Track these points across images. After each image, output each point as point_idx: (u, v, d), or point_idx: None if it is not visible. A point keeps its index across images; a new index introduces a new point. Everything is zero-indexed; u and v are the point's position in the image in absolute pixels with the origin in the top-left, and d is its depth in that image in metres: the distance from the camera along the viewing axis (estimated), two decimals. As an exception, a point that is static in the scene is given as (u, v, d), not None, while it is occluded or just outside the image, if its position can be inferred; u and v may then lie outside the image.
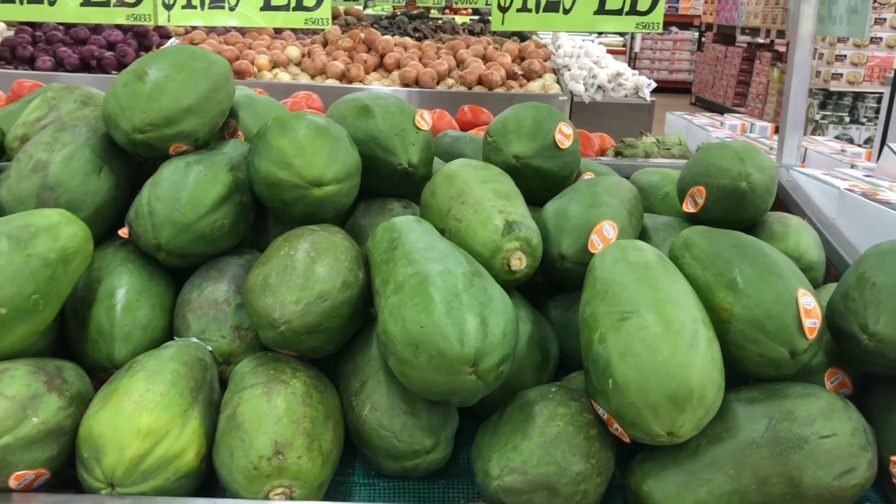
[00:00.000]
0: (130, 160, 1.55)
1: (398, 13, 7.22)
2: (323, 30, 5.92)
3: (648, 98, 5.17)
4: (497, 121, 1.63)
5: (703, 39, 12.80)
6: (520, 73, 5.51)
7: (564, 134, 1.59)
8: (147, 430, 1.07)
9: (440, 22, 6.97)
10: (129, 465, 1.05)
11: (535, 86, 5.35)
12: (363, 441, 1.20)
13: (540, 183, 1.59)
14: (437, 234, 1.29)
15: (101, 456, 1.06)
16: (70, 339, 1.33)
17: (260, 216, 1.56)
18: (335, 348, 1.27)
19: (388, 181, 1.60)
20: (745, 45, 11.20)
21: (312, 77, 5.49)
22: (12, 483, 1.04)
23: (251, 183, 1.46)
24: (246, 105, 1.72)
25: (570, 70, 5.47)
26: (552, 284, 1.49)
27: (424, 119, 1.64)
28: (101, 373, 1.30)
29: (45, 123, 1.64)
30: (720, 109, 10.38)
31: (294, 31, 6.28)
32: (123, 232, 1.47)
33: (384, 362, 1.21)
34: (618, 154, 2.50)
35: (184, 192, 1.38)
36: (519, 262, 1.28)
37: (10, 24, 5.64)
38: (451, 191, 1.41)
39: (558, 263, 1.37)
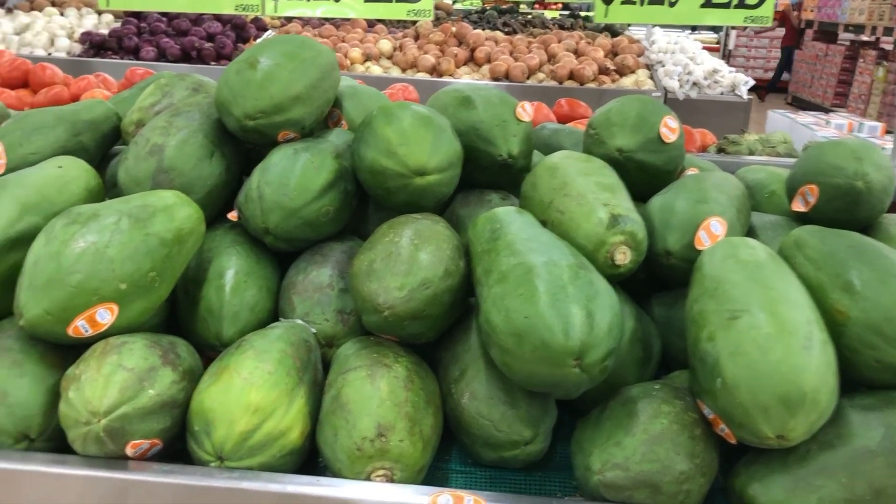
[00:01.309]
0: (240, 146, 1.59)
1: (487, 8, 7.21)
2: (424, 21, 5.95)
3: (745, 96, 5.02)
4: (600, 113, 1.61)
5: (802, 37, 12.35)
6: (612, 68, 5.43)
7: (670, 128, 1.55)
8: (256, 406, 1.10)
9: (530, 17, 6.93)
10: (238, 439, 1.08)
11: (627, 81, 5.27)
12: (461, 429, 1.20)
13: (642, 177, 1.56)
14: (540, 226, 1.28)
15: (211, 429, 1.09)
16: (181, 317, 1.38)
17: (361, 204, 1.58)
18: (435, 335, 1.28)
19: (486, 172, 1.60)
20: (848, 43, 10.76)
21: (403, 70, 5.54)
22: (129, 451, 1.09)
23: (355, 171, 1.49)
24: (350, 95, 1.75)
25: (664, 66, 5.36)
26: (653, 281, 1.47)
27: (525, 110, 1.63)
28: (209, 350, 1.34)
29: (159, 109, 1.70)
30: (818, 109, 10.01)
31: (386, 24, 6.35)
32: (232, 215, 1.52)
33: (484, 352, 1.22)
34: (720, 151, 2.44)
35: (292, 178, 1.41)
36: (623, 257, 1.26)
37: (116, 16, 5.88)
38: (554, 182, 1.40)
39: (663, 259, 1.35)
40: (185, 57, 5.46)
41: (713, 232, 1.32)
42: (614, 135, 1.55)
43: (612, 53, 5.73)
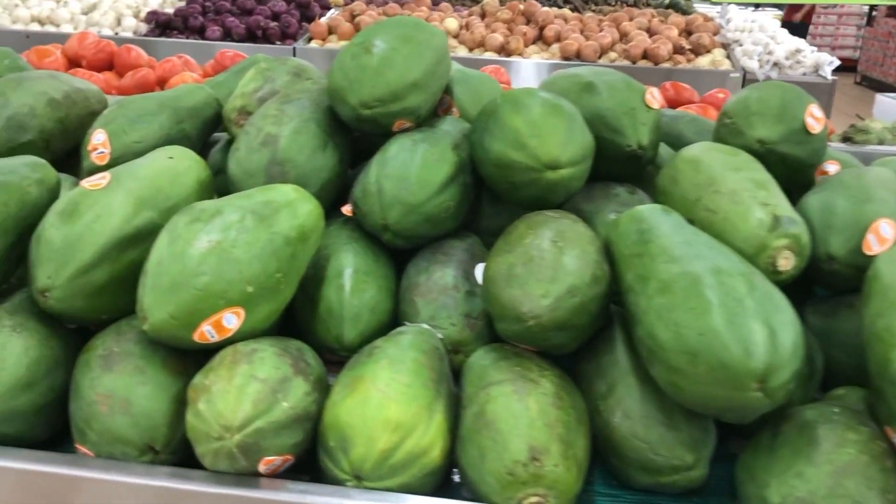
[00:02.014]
0: (349, 136, 1.51)
1: (553, -16, 7.02)
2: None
3: (830, 77, 4.80)
4: (737, 101, 1.49)
5: (873, 13, 11.88)
6: (688, 47, 5.23)
7: (815, 117, 1.42)
8: (396, 422, 1.01)
9: (595, -7, 6.72)
10: (379, 458, 1.00)
11: (703, 61, 5.07)
12: (612, 450, 1.11)
13: (783, 172, 1.43)
14: (691, 227, 1.18)
15: (348, 447, 1.02)
16: (299, 319, 1.31)
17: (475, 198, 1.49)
18: (576, 346, 1.18)
19: (611, 163, 1.48)
20: (924, 20, 10.31)
21: (470, 49, 5.41)
22: (262, 468, 1.01)
23: (477, 164, 1.39)
24: (460, 80, 1.65)
25: (741, 45, 5.15)
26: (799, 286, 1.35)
27: (654, 97, 1.52)
28: (327, 353, 1.26)
29: (262, 95, 1.62)
30: (890, 90, 9.61)
31: (452, 3, 6.22)
32: (347, 210, 1.44)
33: (634, 366, 1.12)
34: (846, 140, 2.28)
35: (412, 171, 1.33)
36: (786, 262, 1.15)
37: (183, -5, 5.85)
38: (699, 178, 1.28)
39: (824, 265, 1.23)
40: (251, 36, 5.40)
41: (883, 235, 1.19)
42: (754, 125, 1.43)
43: (686, 32, 5.53)
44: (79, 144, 1.64)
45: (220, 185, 1.48)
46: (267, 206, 1.19)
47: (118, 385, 1.07)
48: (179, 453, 1.10)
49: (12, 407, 1.09)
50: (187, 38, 5.42)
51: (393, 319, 1.33)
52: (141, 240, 1.19)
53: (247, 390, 1.01)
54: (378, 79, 1.38)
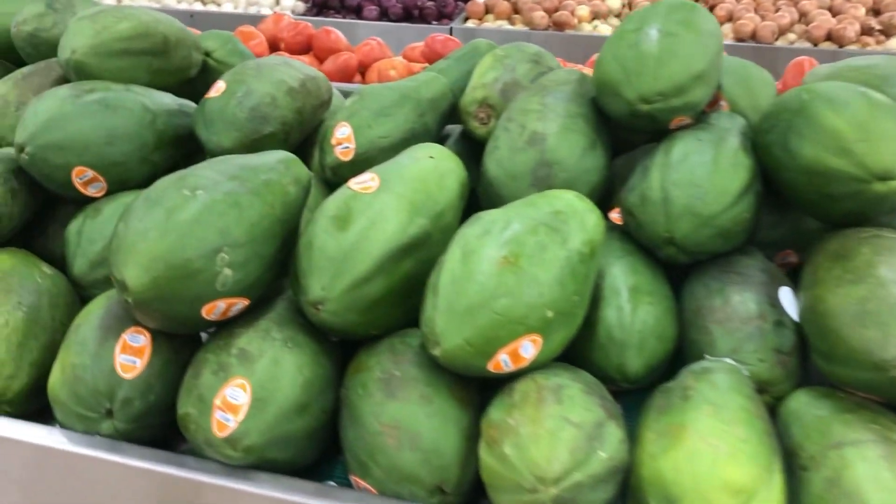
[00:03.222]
0: (612, 134, 1.35)
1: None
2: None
3: None
4: None
5: None
6: (877, 28, 4.79)
7: None
8: (737, 485, 0.86)
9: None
10: (717, 527, 0.85)
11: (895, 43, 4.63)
12: None
13: None
14: None
15: (677, 509, 0.87)
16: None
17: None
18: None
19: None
20: None
21: (634, 30, 5.14)
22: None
23: (773, 169, 1.21)
24: (732, 71, 1.46)
25: (941, 25, 4.66)
26: None
27: (977, 95, 1.28)
28: (607, 384, 1.12)
29: (503, 87, 1.49)
30: None
31: (613, -20, 5.94)
32: (616, 217, 1.28)
33: None
34: None
35: (706, 177, 1.16)
36: None
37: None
38: None
39: None
40: (407, 16, 5.32)
41: None
42: None
43: (874, 11, 5.07)
44: (308, 136, 1.56)
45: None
46: (556, 217, 1.05)
47: (405, 415, 0.96)
48: (465, 496, 0.98)
49: (287, 431, 1.00)
50: (343, 17, 5.39)
51: (677, 348, 1.17)
52: (415, 249, 1.08)
53: (561, 436, 0.88)
54: (661, 70, 1.21)
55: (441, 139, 1.58)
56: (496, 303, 0.94)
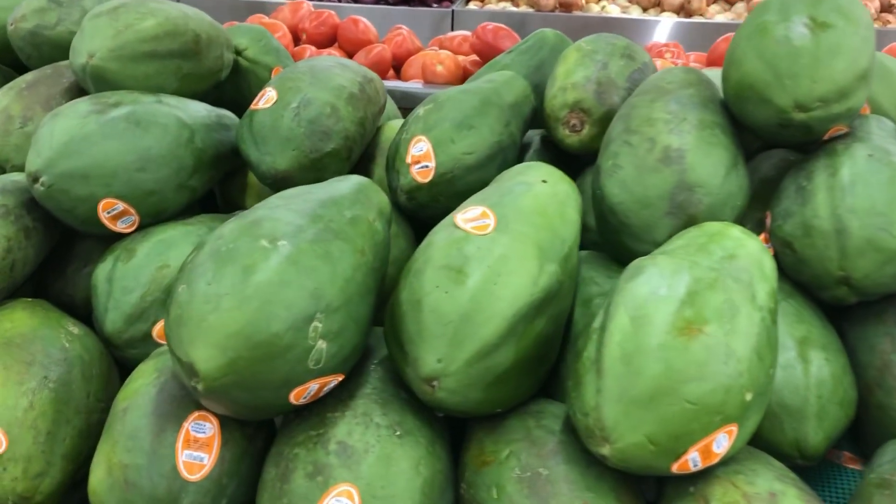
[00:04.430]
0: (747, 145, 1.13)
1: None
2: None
3: None
4: None
5: None
6: (900, 5, 4.60)
7: None
8: None
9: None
10: None
11: (922, 22, 4.44)
12: None
13: None
14: None
15: None
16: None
17: None
18: None
19: None
20: None
21: (645, 10, 4.91)
22: None
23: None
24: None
25: (968, 2, 4.48)
26: None
27: None
28: (785, 461, 0.90)
29: (597, 88, 1.26)
30: None
31: (621, -42, 5.70)
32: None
33: None
34: None
35: (889, 203, 0.94)
36: None
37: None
38: None
39: None
40: (406, -1, 5.04)
41: None
42: None
43: (894, -12, 4.88)
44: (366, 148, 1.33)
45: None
46: (733, 263, 0.83)
47: (565, 532, 0.75)
48: None
49: (412, 549, 0.77)
50: (339, 1, 5.11)
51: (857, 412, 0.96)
52: (547, 304, 0.87)
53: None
54: (821, 70, 0.99)
55: (520, 152, 1.35)
56: (687, 388, 0.72)
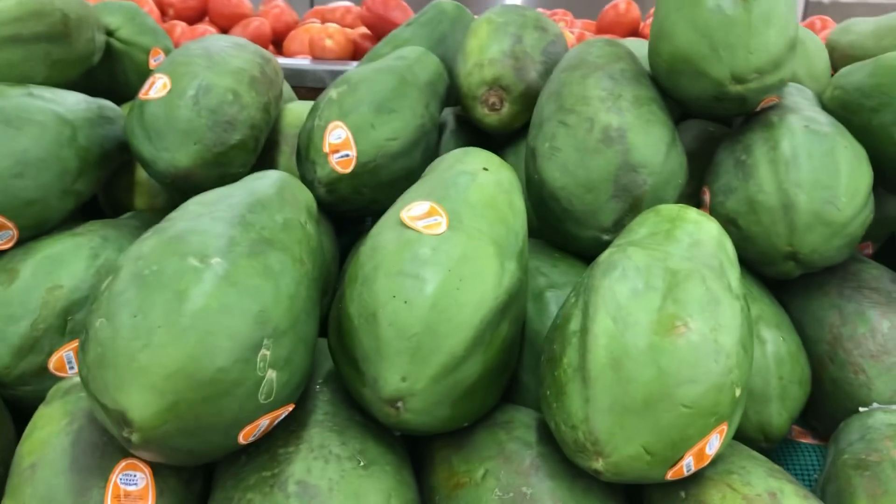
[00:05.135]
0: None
1: None
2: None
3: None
4: None
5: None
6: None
7: None
8: None
9: None
10: None
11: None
12: None
13: None
14: None
15: None
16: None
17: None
18: None
19: None
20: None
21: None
22: None
23: (890, 154, 1.00)
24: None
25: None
26: None
27: None
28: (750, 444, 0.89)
29: (515, 63, 1.20)
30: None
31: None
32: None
33: None
34: None
35: (834, 175, 0.94)
36: None
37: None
38: None
39: None
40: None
41: None
42: None
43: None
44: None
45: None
46: (701, 249, 0.79)
47: (560, 556, 0.69)
48: None
49: None
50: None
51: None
52: (510, 306, 0.80)
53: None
54: (756, 40, 0.97)
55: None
56: (681, 391, 0.67)
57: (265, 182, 0.88)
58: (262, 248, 0.74)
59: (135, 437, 0.64)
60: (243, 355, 0.66)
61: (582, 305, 0.74)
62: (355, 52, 2.06)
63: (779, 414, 0.89)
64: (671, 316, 0.69)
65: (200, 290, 0.66)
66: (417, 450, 0.85)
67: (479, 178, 0.89)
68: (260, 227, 0.77)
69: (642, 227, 0.83)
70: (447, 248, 0.77)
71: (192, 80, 1.03)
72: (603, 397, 0.68)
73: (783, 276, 0.99)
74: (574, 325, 0.73)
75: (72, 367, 0.91)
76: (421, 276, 0.75)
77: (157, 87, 1.03)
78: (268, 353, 0.68)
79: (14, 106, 0.94)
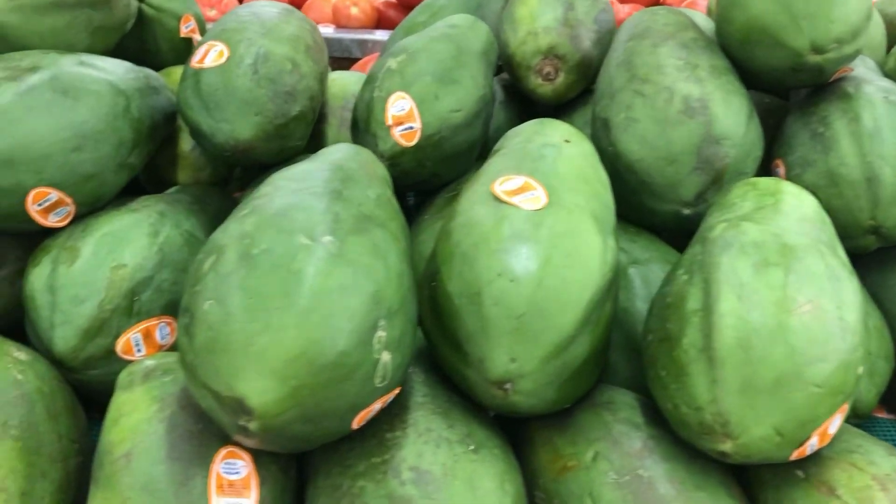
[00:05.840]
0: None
1: None
2: None
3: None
4: None
5: None
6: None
7: None
8: None
9: None
10: None
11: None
12: None
13: None
14: None
15: None
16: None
17: None
18: None
19: None
20: None
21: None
22: None
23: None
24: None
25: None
26: None
27: None
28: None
29: (571, 31, 1.17)
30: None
31: None
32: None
33: None
34: None
35: (920, 148, 0.92)
36: None
37: None
38: None
39: None
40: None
41: None
42: None
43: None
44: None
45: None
46: (808, 224, 0.77)
47: (688, 541, 0.67)
48: None
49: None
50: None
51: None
52: (613, 284, 0.77)
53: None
54: (837, 10, 0.95)
55: (486, 102, 1.23)
56: (812, 370, 0.65)
57: (344, 155, 0.84)
58: (365, 225, 0.70)
59: (253, 425, 0.61)
60: (363, 337, 0.63)
61: (700, 283, 0.71)
62: (379, 21, 2.00)
63: (868, 390, 0.88)
64: (797, 293, 0.67)
65: (316, 269, 0.63)
66: (508, 431, 0.82)
67: (565, 151, 0.86)
68: (358, 203, 0.73)
69: (745, 200, 0.81)
70: (551, 224, 0.74)
71: (249, 48, 0.99)
72: (732, 378, 0.66)
73: (860, 251, 0.97)
74: (693, 303, 0.71)
75: (139, 350, 0.87)
76: (526, 252, 0.72)
77: (212, 55, 0.98)
78: (384, 334, 0.65)
79: (70, 75, 0.89)
